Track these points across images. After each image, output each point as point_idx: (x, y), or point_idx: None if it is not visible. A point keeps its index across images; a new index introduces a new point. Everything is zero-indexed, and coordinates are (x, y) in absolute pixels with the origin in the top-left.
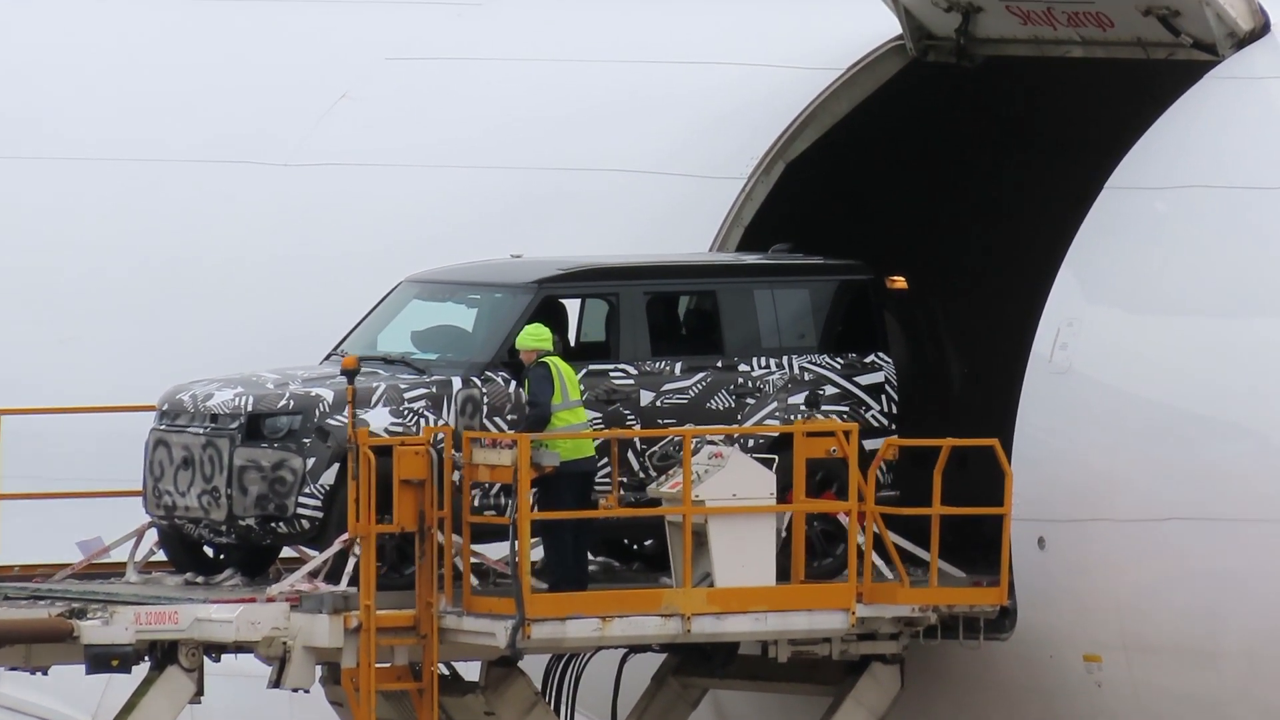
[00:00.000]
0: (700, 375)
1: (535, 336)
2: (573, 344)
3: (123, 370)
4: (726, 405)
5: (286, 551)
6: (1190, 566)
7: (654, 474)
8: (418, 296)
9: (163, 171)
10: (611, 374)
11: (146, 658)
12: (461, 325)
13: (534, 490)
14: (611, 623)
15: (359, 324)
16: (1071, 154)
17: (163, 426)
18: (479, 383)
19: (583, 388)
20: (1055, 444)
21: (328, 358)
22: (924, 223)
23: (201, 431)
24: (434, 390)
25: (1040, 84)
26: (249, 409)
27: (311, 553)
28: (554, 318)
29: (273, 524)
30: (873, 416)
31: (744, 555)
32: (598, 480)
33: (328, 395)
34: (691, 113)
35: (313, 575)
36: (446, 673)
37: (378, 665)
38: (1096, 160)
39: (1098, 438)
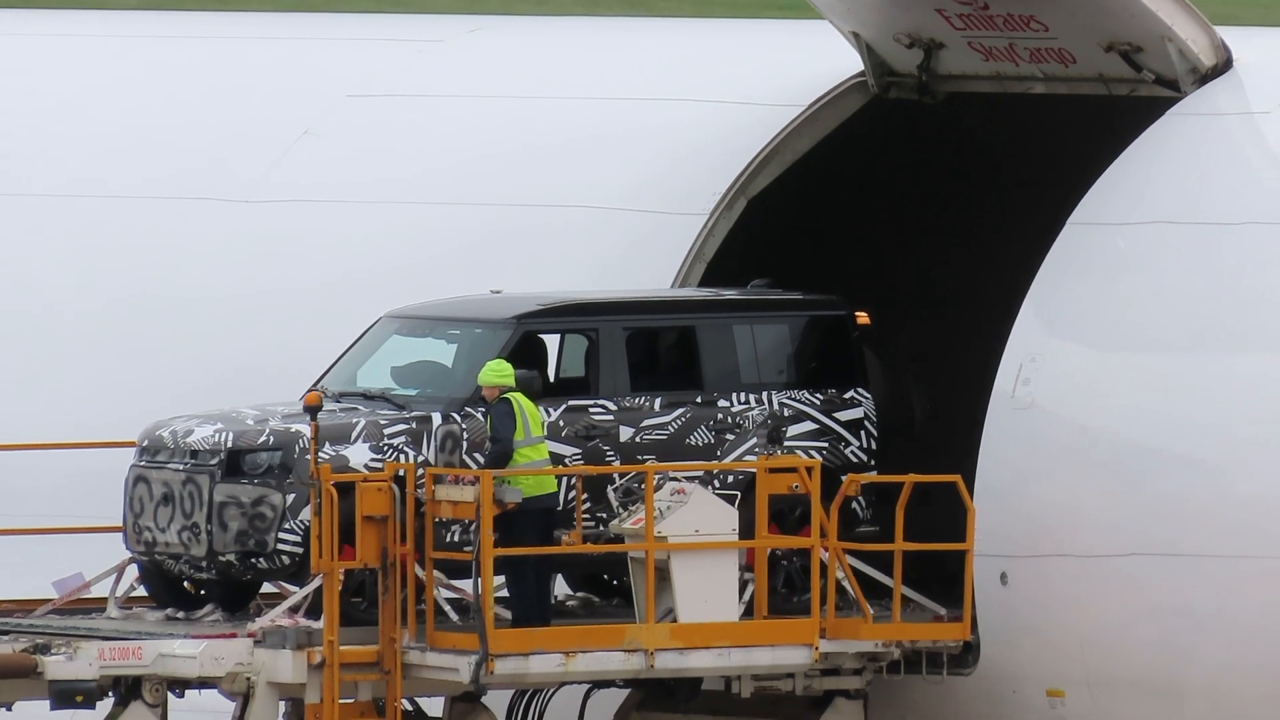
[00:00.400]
0: (680, 411)
1: (497, 373)
2: (552, 379)
3: (84, 407)
4: (706, 441)
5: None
6: (1153, 601)
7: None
8: (397, 332)
9: (124, 208)
10: (591, 409)
11: (111, 693)
12: (441, 361)
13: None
14: (575, 658)
15: (339, 359)
16: (1035, 190)
17: (143, 463)
18: (459, 418)
19: (547, 422)
20: (1017, 479)
21: (308, 393)
22: (887, 258)
23: (182, 467)
24: (414, 426)
25: (1004, 120)
26: (229, 445)
27: (292, 588)
28: (533, 353)
29: (253, 559)
30: (852, 453)
31: (707, 591)
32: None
33: (307, 432)
34: (653, 149)
35: (293, 610)
36: (410, 708)
37: (341, 701)
38: (1061, 196)
39: (1060, 473)
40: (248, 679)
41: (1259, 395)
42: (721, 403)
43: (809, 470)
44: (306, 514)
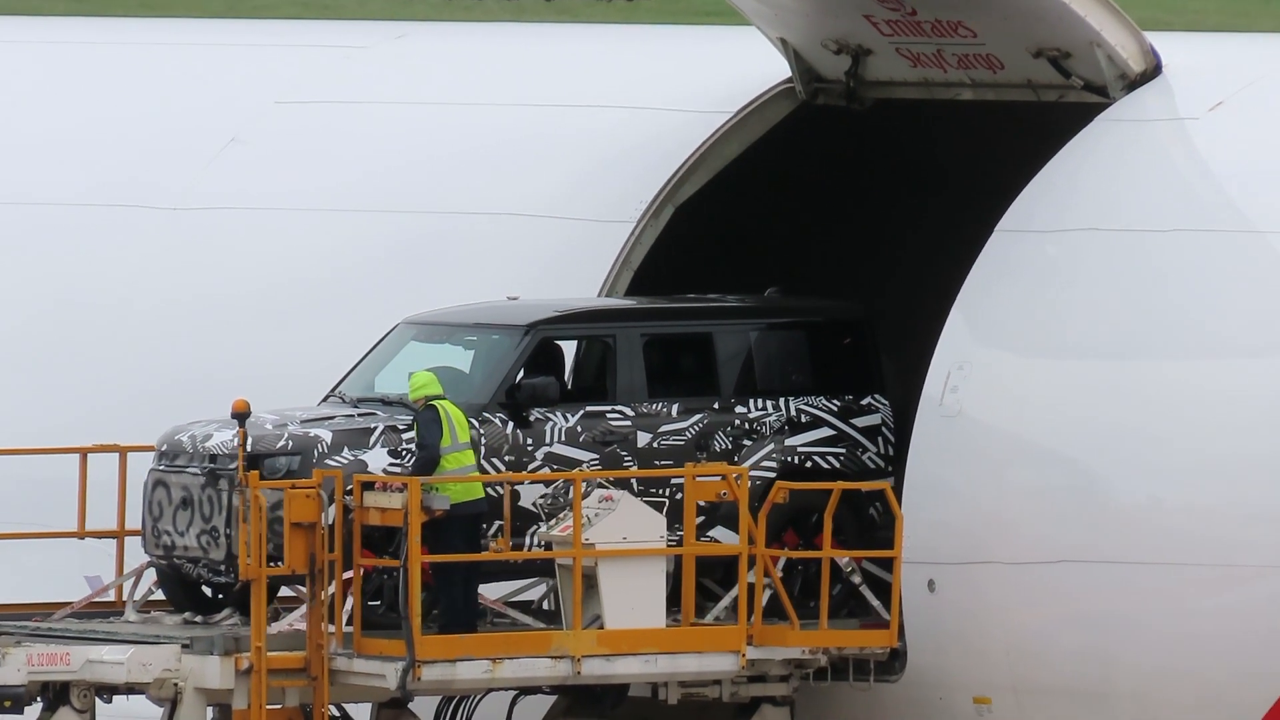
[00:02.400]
0: (697, 417)
1: (421, 382)
2: (569, 385)
3: (14, 415)
4: (724, 447)
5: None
6: (1081, 608)
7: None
8: (415, 338)
9: (52, 217)
10: (608, 415)
11: (39, 699)
12: (458, 367)
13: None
14: (502, 664)
15: (356, 365)
16: (966, 196)
17: (161, 467)
18: (476, 424)
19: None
20: (946, 487)
21: (326, 399)
22: (816, 265)
23: (200, 472)
24: None
25: (937, 126)
26: (248, 450)
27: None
28: (550, 359)
29: (271, 563)
30: (869, 459)
31: (634, 598)
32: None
33: (326, 436)
34: (580, 156)
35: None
36: (337, 714)
37: (268, 707)
38: (994, 202)
39: (988, 480)
40: (175, 685)
41: (1186, 402)
42: (739, 409)
43: (737, 478)
44: (324, 518)
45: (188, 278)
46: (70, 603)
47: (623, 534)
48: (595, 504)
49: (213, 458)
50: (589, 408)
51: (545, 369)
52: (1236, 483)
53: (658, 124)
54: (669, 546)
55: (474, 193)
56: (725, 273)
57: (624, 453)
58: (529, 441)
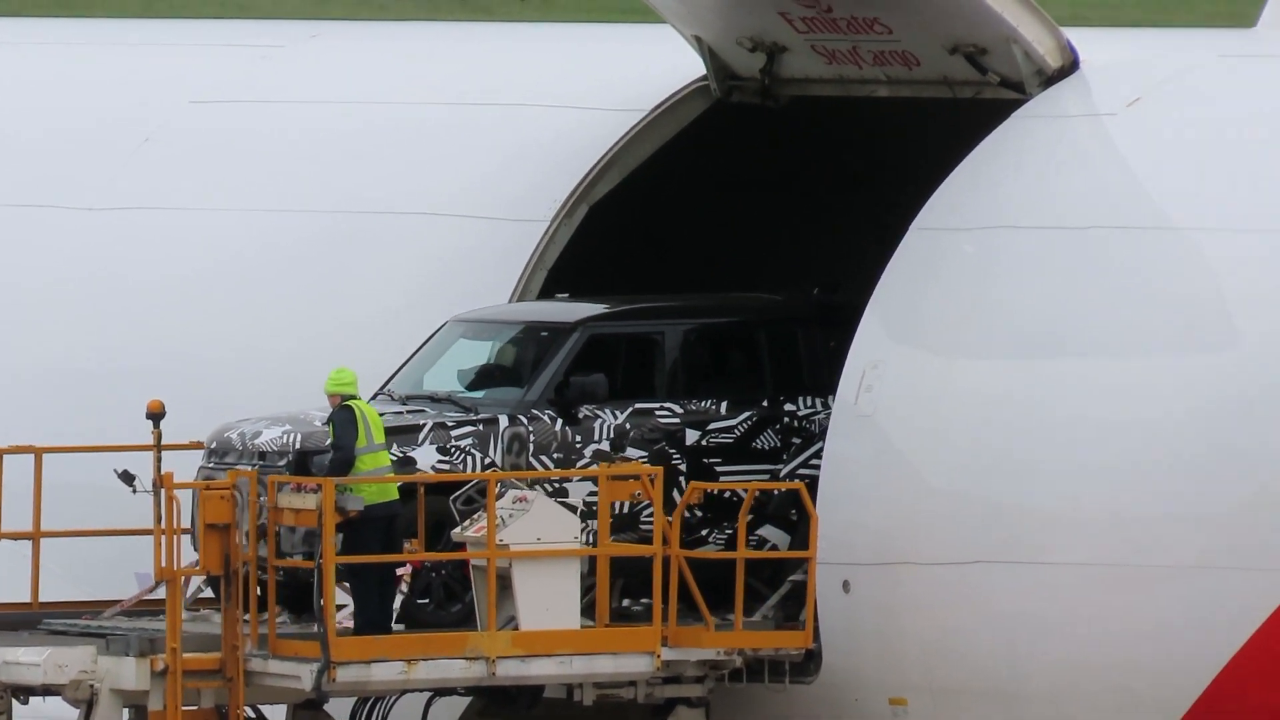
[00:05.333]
0: (746, 414)
1: (337, 381)
2: (619, 383)
3: None
4: (772, 445)
5: None
6: (995, 609)
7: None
8: (464, 335)
9: None
10: (657, 413)
11: None
12: (508, 364)
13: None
14: (416, 666)
15: (405, 363)
16: (888, 194)
17: (211, 464)
18: (525, 421)
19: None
20: (860, 487)
21: (375, 396)
22: (732, 264)
23: (250, 469)
24: (480, 428)
25: (855, 123)
26: (297, 446)
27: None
28: (599, 357)
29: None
30: None
31: (548, 599)
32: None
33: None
34: (493, 154)
35: None
36: (253, 715)
37: (184, 708)
38: (912, 200)
39: (903, 480)
40: (91, 686)
41: (1103, 402)
42: (788, 406)
43: (651, 478)
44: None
45: (103, 278)
46: (119, 600)
47: (537, 535)
48: (510, 505)
49: (262, 455)
50: (638, 405)
51: (594, 366)
52: (1153, 482)
53: (572, 122)
54: (589, 546)
55: (386, 191)
56: (639, 272)
57: (672, 450)
58: (578, 439)
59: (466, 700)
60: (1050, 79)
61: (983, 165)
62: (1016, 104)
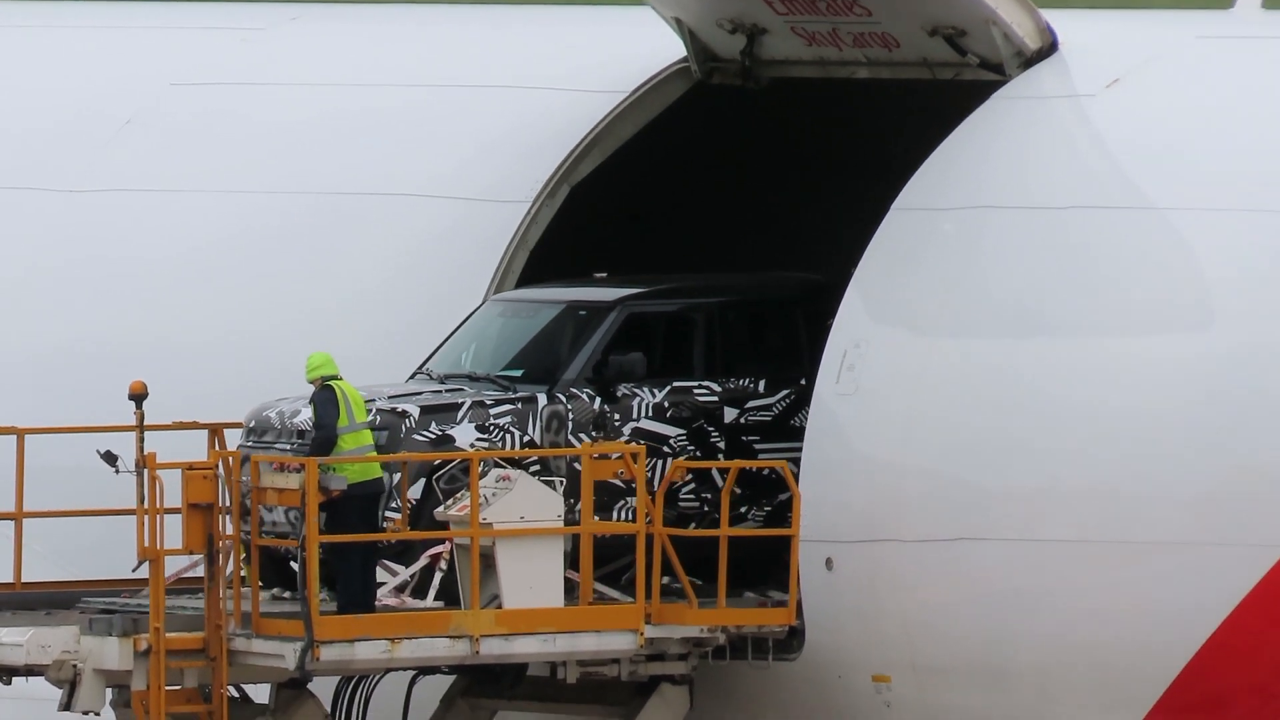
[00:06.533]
0: (784, 392)
1: (313, 366)
2: (657, 361)
3: None
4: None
5: None
6: (979, 586)
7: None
8: (502, 315)
9: None
10: (695, 391)
11: None
12: (546, 343)
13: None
14: (400, 644)
15: (444, 342)
16: (870, 175)
17: (250, 443)
18: (564, 399)
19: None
20: (843, 465)
21: (414, 375)
22: (715, 245)
23: (289, 448)
24: (519, 407)
25: (834, 104)
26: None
27: (397, 568)
28: (638, 335)
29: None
30: None
31: (532, 577)
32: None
33: (414, 411)
34: (474, 136)
35: (399, 590)
36: (236, 695)
37: (167, 688)
38: (894, 181)
39: (885, 459)
40: (74, 666)
41: (1085, 380)
42: None
43: (634, 457)
44: (413, 493)
45: (85, 259)
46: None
47: (520, 514)
48: (493, 484)
49: (300, 433)
50: (676, 383)
51: (633, 345)
52: (1135, 460)
53: (553, 104)
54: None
55: (367, 172)
56: (621, 252)
57: (710, 428)
58: (617, 417)
59: (450, 679)
60: (1029, 60)
61: (962, 146)
62: (996, 85)
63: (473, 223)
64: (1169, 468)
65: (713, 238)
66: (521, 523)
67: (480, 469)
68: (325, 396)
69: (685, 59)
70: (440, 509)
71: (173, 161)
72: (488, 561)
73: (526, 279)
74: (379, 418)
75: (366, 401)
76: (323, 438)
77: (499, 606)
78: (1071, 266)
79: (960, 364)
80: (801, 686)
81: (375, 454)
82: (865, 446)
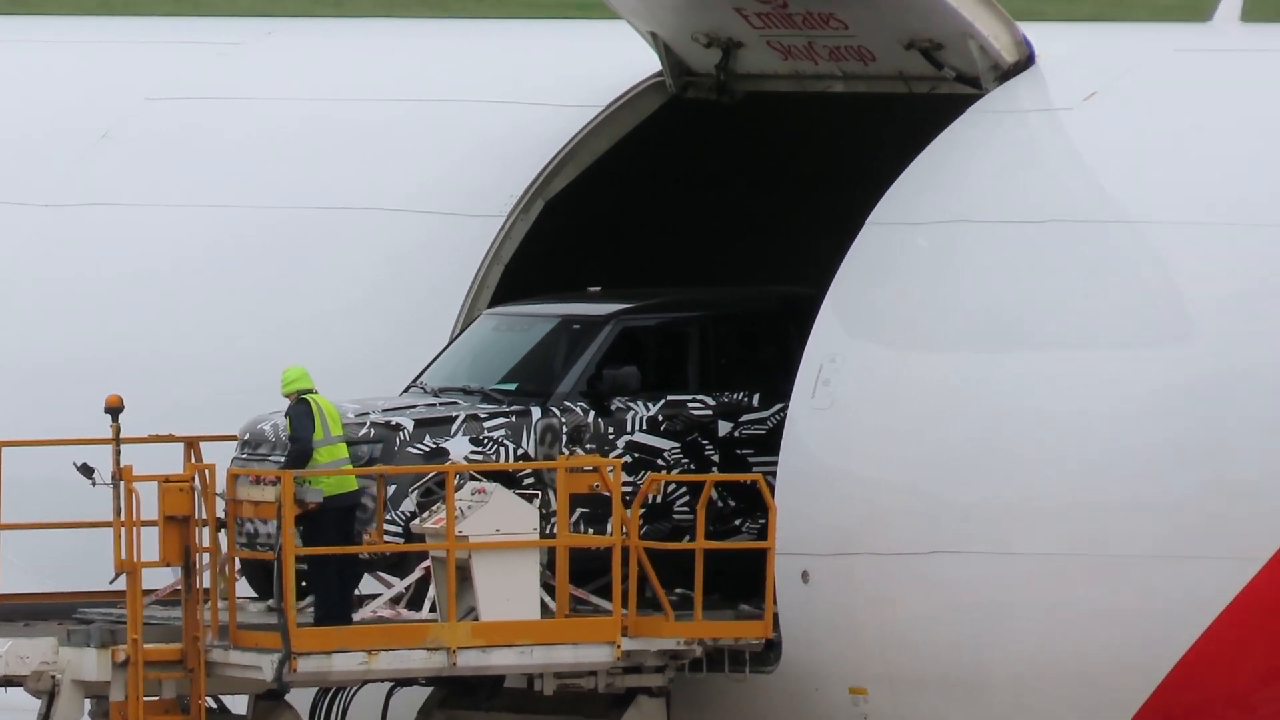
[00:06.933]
0: (778, 406)
1: (288, 381)
2: (651, 375)
3: None
4: None
5: None
6: (955, 599)
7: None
8: (497, 329)
9: None
10: (689, 404)
11: None
12: (540, 357)
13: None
14: (377, 656)
15: (439, 355)
16: (847, 189)
17: (244, 455)
18: (558, 412)
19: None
20: (819, 479)
21: (408, 389)
22: (690, 260)
23: (284, 461)
24: (513, 420)
25: (813, 118)
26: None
27: (392, 580)
28: (632, 349)
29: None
30: None
31: (508, 589)
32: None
33: (408, 424)
34: (449, 150)
35: (394, 602)
36: (214, 706)
37: (146, 699)
38: (870, 195)
39: (861, 472)
40: (53, 677)
41: (1060, 394)
42: None
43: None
44: (407, 505)
45: (59, 274)
46: (154, 590)
47: (495, 526)
48: (468, 496)
49: None
50: (670, 397)
51: (627, 359)
52: (1110, 473)
53: (528, 118)
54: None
55: (341, 187)
56: (596, 267)
57: (705, 441)
58: (610, 430)
59: (428, 691)
60: (1006, 74)
61: (938, 160)
62: (972, 99)
63: (448, 237)
64: (1144, 481)
65: (689, 251)
66: (497, 535)
67: (456, 482)
68: (301, 410)
69: (660, 73)
70: (416, 521)
71: (148, 176)
72: (464, 574)
73: (501, 294)
74: (373, 431)
75: (360, 415)
76: (298, 451)
77: (475, 619)
78: (1046, 280)
79: (935, 378)
80: (778, 699)
81: (351, 467)
82: (841, 460)
